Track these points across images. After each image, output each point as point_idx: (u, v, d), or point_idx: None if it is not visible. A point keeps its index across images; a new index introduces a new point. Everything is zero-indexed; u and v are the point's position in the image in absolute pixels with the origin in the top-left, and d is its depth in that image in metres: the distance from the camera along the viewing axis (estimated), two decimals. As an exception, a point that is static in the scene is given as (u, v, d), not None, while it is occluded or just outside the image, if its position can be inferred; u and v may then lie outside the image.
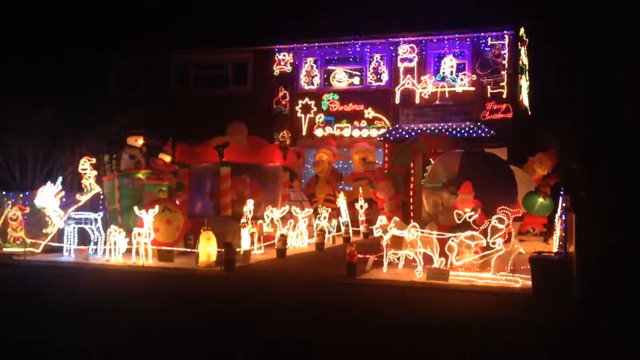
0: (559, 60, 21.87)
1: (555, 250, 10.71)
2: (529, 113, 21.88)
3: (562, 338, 6.73)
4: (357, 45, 22.12)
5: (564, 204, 10.10)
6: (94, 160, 14.40)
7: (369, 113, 21.77)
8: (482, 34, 20.55)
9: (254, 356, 5.96)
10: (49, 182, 13.35)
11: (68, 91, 18.23)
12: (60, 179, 13.61)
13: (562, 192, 10.72)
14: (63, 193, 13.57)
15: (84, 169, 14.09)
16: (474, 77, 20.33)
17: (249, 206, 12.90)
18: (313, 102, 22.41)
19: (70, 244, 13.05)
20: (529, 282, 9.15)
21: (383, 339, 6.60)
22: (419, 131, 19.09)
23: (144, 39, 23.26)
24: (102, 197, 14.44)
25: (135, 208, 12.33)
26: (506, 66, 20.15)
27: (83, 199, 13.79)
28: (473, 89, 20.18)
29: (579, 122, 9.02)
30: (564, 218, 9.87)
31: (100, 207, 14.24)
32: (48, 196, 13.10)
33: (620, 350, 6.21)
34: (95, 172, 14.31)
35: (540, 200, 13.59)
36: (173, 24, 23.57)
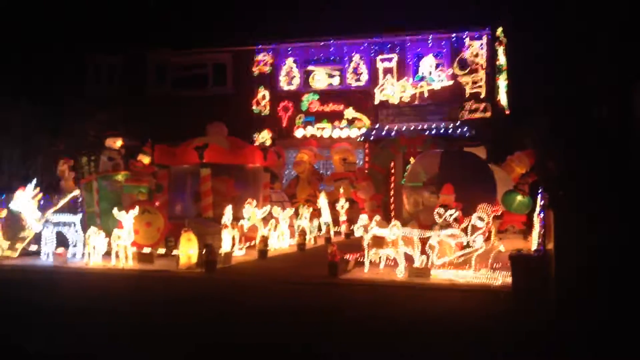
0: (536, 60, 22.10)
1: (534, 247, 10.83)
2: (507, 112, 22.10)
3: (539, 336, 6.79)
4: (337, 46, 22.15)
5: (542, 202, 10.21)
6: (71, 163, 14.22)
7: (349, 113, 21.80)
8: (461, 34, 20.72)
9: (235, 357, 5.94)
10: (28, 185, 13.12)
11: (45, 91, 18.01)
12: (35, 180, 13.38)
13: (540, 191, 10.84)
14: (41, 195, 13.37)
15: (62, 171, 13.92)
16: (453, 76, 20.47)
17: (228, 214, 12.76)
18: (293, 103, 22.39)
19: (48, 248, 12.86)
20: (509, 280, 9.23)
21: (365, 338, 6.61)
22: (398, 131, 19.18)
23: (122, 39, 23.05)
24: (80, 199, 14.27)
25: (115, 210, 12.19)
26: (484, 66, 20.33)
27: (61, 201, 13.61)
28: (451, 83, 20.31)
29: (556, 121, 9.13)
30: (542, 216, 9.98)
31: (79, 210, 14.07)
32: (24, 199, 12.90)
33: (594, 348, 6.29)
34: (73, 174, 14.13)
35: (519, 198, 13.77)
36: (152, 24, 23.37)
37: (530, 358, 5.91)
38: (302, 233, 14.82)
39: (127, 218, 11.88)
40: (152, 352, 6.17)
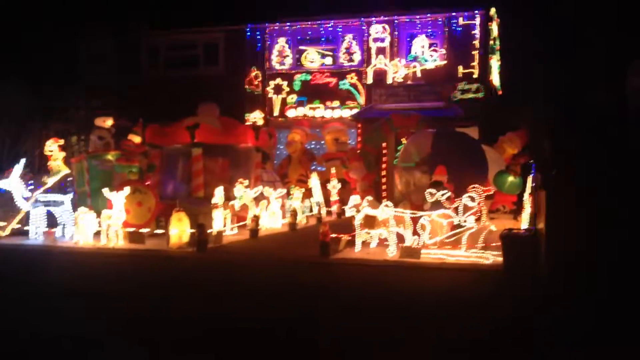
0: (530, 40, 22.02)
1: (525, 227, 10.87)
2: (500, 93, 22.06)
3: (529, 313, 6.83)
4: (329, 25, 21.96)
5: (534, 182, 10.23)
6: (61, 142, 14.10)
7: (343, 84, 21.64)
8: (454, 13, 20.58)
9: (228, 334, 5.93)
10: (16, 165, 13.02)
11: (37, 76, 17.83)
12: (23, 160, 13.26)
13: (532, 171, 10.85)
14: (30, 175, 13.27)
15: (51, 151, 13.80)
16: (446, 57, 20.37)
17: (219, 194, 12.74)
18: (285, 83, 22.23)
19: (37, 227, 12.80)
20: (500, 259, 9.27)
21: (356, 317, 6.62)
22: (391, 111, 19.10)
23: (114, 19, 22.75)
24: (70, 179, 14.17)
25: (105, 190, 12.12)
26: (477, 46, 20.23)
27: (50, 181, 13.51)
28: (444, 63, 20.22)
29: (550, 102, 9.10)
30: (533, 195, 10.00)
31: (69, 190, 13.97)
32: (14, 178, 12.80)
33: (584, 325, 6.33)
34: (63, 154, 14.02)
35: (511, 178, 13.79)
36: (144, 4, 23.08)
37: (520, 336, 5.93)
38: (294, 213, 14.81)
39: (118, 198, 11.81)
40: (141, 332, 6.15)
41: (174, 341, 5.72)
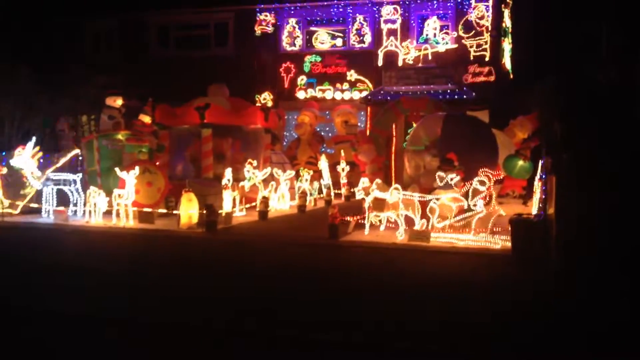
0: (541, 22, 21.76)
1: (534, 212, 10.84)
2: (511, 76, 21.87)
3: (538, 298, 6.84)
4: (340, 6, 21.78)
5: (544, 167, 10.17)
6: (71, 121, 14.16)
7: (352, 75, 21.56)
8: (466, -5, 20.36)
9: (241, 314, 5.98)
10: (28, 143, 13.08)
11: (46, 57, 17.83)
12: (34, 138, 13.33)
13: (543, 155, 10.78)
14: (41, 154, 13.35)
15: (61, 130, 13.87)
16: (457, 39, 20.19)
17: (228, 175, 12.79)
18: (295, 64, 22.12)
19: (48, 205, 12.91)
20: (509, 244, 9.26)
21: (365, 299, 6.66)
22: (401, 94, 19.00)
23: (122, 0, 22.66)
24: (80, 158, 14.24)
25: (117, 169, 12.19)
26: (489, 28, 20.03)
27: (61, 160, 13.59)
28: (455, 46, 20.04)
29: (561, 83, 9.00)
30: (544, 180, 9.94)
31: (79, 169, 14.05)
32: (25, 157, 12.88)
33: (593, 311, 6.33)
34: (73, 133, 14.09)
35: (520, 163, 13.70)
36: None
37: (529, 320, 5.95)
38: (303, 195, 14.83)
39: (129, 177, 11.87)
40: (152, 312, 6.22)
41: (179, 324, 5.77)
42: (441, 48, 20.06)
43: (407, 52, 20.25)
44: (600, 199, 7.56)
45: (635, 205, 7.48)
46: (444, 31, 20.40)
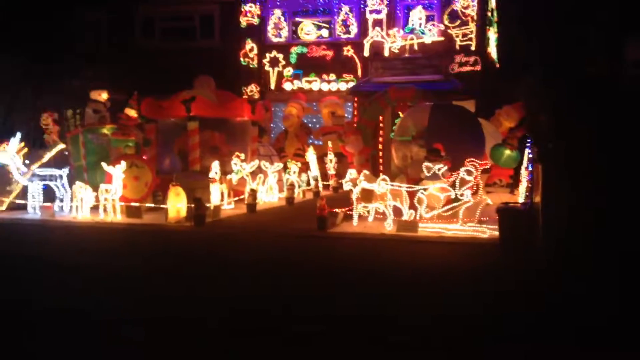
0: (527, 11, 21.80)
1: (521, 201, 10.93)
2: (497, 66, 21.93)
3: (526, 286, 6.90)
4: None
5: (530, 156, 10.24)
6: (56, 116, 14.02)
7: (337, 68, 21.50)
8: (452, -16, 20.34)
9: (231, 303, 5.99)
10: (12, 139, 12.95)
11: (31, 47, 17.60)
12: (19, 134, 13.18)
13: (528, 144, 10.85)
14: (26, 150, 13.22)
15: (46, 125, 13.73)
16: (443, 29, 20.19)
17: (215, 168, 12.77)
18: (281, 55, 22.04)
19: (35, 202, 12.81)
20: (496, 233, 9.33)
21: (355, 290, 6.68)
22: (388, 84, 19.00)
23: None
24: (66, 153, 14.12)
25: (104, 164, 12.11)
26: (475, 18, 20.05)
27: (46, 155, 13.47)
28: (442, 39, 20.04)
29: (548, 73, 9.05)
30: (530, 169, 10.02)
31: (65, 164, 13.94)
32: (10, 153, 12.75)
33: (580, 298, 6.41)
34: (57, 128, 13.95)
35: (507, 152, 13.78)
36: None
37: (517, 307, 6.01)
38: (291, 187, 14.83)
39: (116, 172, 11.80)
40: (143, 307, 6.20)
41: (171, 318, 5.77)
42: (427, 40, 20.04)
43: (394, 41, 20.21)
44: (587, 189, 7.63)
45: (621, 194, 7.56)
46: (430, 22, 20.37)
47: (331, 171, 17.63)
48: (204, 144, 14.38)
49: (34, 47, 17.70)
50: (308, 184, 16.72)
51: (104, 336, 5.25)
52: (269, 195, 14.82)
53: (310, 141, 20.40)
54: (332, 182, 17.48)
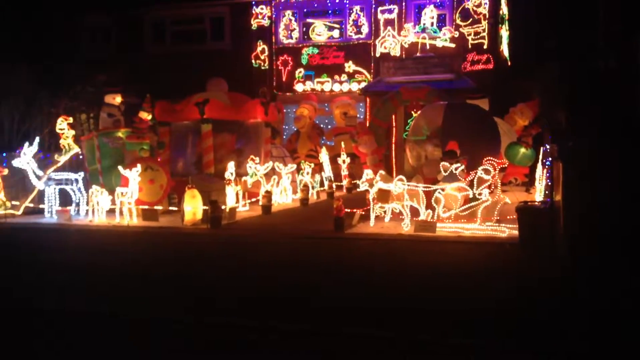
0: (539, 8, 21.66)
1: (539, 199, 10.84)
2: (509, 63, 21.80)
3: (545, 286, 6.83)
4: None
5: (549, 154, 10.15)
6: (70, 120, 14.07)
7: (350, 67, 21.51)
8: (463, -17, 20.27)
9: (252, 305, 5.97)
10: (27, 143, 13.01)
11: (44, 54, 17.71)
12: (37, 139, 13.27)
13: (546, 142, 10.77)
14: (41, 154, 13.28)
15: (61, 129, 13.77)
16: (455, 28, 20.11)
17: (230, 169, 12.78)
18: (292, 57, 22.04)
19: (51, 205, 12.86)
20: (515, 232, 9.25)
21: (373, 291, 6.65)
22: (400, 84, 18.94)
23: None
24: (81, 157, 14.17)
25: (120, 167, 12.15)
26: (487, 16, 19.96)
27: (62, 159, 13.52)
28: (455, 40, 19.96)
29: (564, 71, 8.96)
30: (549, 167, 9.93)
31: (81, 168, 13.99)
32: (26, 157, 12.82)
33: (600, 299, 6.33)
34: (73, 132, 14.00)
35: (523, 150, 13.69)
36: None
37: (536, 309, 5.94)
38: (305, 188, 14.80)
39: (132, 175, 11.83)
40: (161, 310, 6.20)
41: (195, 320, 5.76)
42: (439, 44, 19.95)
43: (406, 35, 20.11)
44: (608, 188, 7.53)
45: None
46: (445, 28, 20.24)
47: (344, 172, 17.59)
48: (220, 146, 14.40)
49: (47, 53, 17.80)
50: (322, 184, 16.70)
51: (135, 336, 5.25)
52: (284, 197, 14.80)
53: (323, 142, 20.39)
54: (345, 183, 17.43)
